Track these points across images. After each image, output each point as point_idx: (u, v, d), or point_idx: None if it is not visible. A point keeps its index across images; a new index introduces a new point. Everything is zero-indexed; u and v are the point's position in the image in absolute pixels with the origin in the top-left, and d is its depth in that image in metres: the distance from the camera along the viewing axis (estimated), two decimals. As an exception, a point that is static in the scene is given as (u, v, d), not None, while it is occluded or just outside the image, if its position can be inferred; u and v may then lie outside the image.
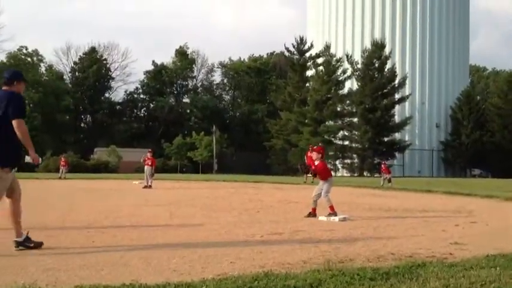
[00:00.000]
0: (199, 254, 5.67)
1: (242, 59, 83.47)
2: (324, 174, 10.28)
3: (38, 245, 5.99)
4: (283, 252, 5.92)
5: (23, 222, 6.06)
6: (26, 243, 5.94)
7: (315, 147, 10.82)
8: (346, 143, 53.79)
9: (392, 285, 4.07)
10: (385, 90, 52.48)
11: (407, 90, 55.31)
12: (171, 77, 77.17)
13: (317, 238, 7.19)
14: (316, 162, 10.44)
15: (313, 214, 9.99)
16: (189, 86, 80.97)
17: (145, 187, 21.05)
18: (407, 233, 7.77)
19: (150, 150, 24.50)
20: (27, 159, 6.14)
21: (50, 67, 72.53)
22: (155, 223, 8.81)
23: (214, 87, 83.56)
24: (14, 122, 5.66)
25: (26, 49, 68.69)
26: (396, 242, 6.80)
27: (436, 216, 10.57)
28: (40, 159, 5.96)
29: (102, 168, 49.41)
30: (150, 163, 22.01)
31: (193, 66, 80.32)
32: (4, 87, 6.01)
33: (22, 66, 66.18)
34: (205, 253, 5.75)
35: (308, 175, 26.03)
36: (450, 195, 17.33)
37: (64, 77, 74.70)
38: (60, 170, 32.44)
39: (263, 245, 6.51)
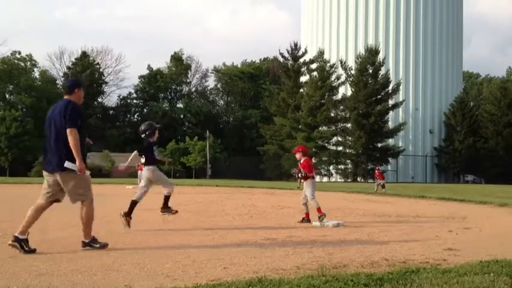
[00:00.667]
0: (193, 259, 5.64)
1: (235, 64, 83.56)
2: (307, 170, 10.24)
3: (32, 252, 6.05)
4: (277, 257, 5.89)
5: (15, 227, 6.02)
6: (93, 244, 6.36)
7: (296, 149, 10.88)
8: (340, 148, 53.90)
9: (386, 291, 4.03)
10: (378, 96, 52.65)
11: (401, 96, 55.56)
12: (166, 82, 77.12)
13: (311, 244, 7.16)
14: (302, 160, 10.40)
15: (306, 219, 9.99)
16: (183, 91, 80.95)
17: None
18: (401, 239, 7.76)
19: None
20: (67, 165, 6.34)
21: (43, 72, 72.29)
22: (148, 228, 8.77)
23: (208, 92, 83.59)
24: (67, 131, 6.09)
25: (19, 53, 68.53)
26: (390, 247, 6.79)
27: (430, 222, 10.58)
28: (87, 172, 6.35)
29: (95, 173, 49.26)
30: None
31: (188, 71, 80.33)
32: (65, 96, 6.42)
33: (15, 71, 65.94)
34: (199, 258, 5.71)
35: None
36: (444, 201, 17.37)
37: (57, 81, 74.51)
38: None
39: (256, 250, 6.48)
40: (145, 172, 8.87)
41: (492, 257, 5.60)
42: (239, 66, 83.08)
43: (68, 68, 74.43)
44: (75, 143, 6.10)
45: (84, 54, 73.61)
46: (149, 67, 77.99)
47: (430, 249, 6.65)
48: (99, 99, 75.98)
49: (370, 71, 52.75)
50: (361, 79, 52.40)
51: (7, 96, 67.00)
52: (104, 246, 6.38)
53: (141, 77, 77.64)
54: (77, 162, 6.14)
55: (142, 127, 8.76)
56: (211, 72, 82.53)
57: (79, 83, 6.64)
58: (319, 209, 9.84)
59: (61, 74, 75.41)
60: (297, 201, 15.10)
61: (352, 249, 6.67)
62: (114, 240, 7.15)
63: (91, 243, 6.33)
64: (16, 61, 68.06)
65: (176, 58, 79.16)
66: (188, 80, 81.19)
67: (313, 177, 10.36)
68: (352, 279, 4.36)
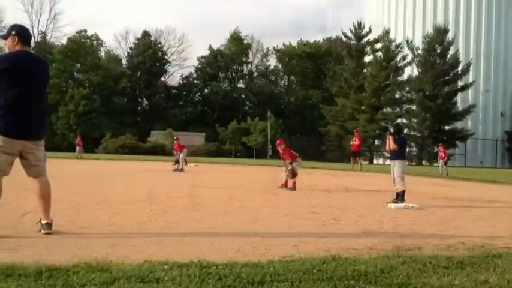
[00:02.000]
0: (261, 236, 5.56)
1: (297, 43, 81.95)
2: (287, 157, 12.73)
3: None
4: (347, 237, 5.76)
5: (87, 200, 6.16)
6: None
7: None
8: (405, 131, 52.53)
9: (469, 274, 3.82)
10: (447, 77, 50.77)
11: (470, 78, 53.27)
12: (226, 62, 77.24)
13: (380, 225, 6.98)
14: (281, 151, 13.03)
15: (285, 186, 12.39)
16: (244, 71, 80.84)
17: (175, 170, 20.81)
18: (476, 224, 7.42)
19: (176, 138, 25.44)
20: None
21: (108, 52, 74.17)
22: (214, 204, 8.79)
23: (270, 72, 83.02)
24: None
25: (85, 32, 70.23)
26: (465, 231, 6.48)
27: (505, 206, 10.09)
28: None
29: (159, 151, 50.28)
30: (177, 149, 22.49)
31: (249, 51, 79.93)
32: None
33: (82, 50, 67.89)
34: (267, 235, 5.65)
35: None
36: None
37: (122, 61, 76.34)
38: (77, 150, 33.63)
39: (325, 229, 6.38)
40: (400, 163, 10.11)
41: None
42: (300, 45, 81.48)
43: (131, 48, 75.95)
44: None
45: (147, 34, 74.58)
46: (210, 47, 78.18)
47: (509, 234, 6.29)
48: (162, 79, 77.15)
49: (439, 50, 50.79)
50: (428, 59, 50.60)
51: (75, 74, 69.22)
52: None
53: (201, 57, 77.87)
54: None
55: (394, 128, 11.02)
56: (272, 52, 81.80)
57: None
58: (286, 182, 12.35)
59: (125, 54, 77.19)
60: (362, 183, 14.87)
61: (424, 231, 6.45)
62: (182, 215, 7.22)
63: None
64: (83, 40, 69.82)
65: (235, 38, 78.69)
66: (249, 60, 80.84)
67: (292, 160, 12.52)
68: (431, 261, 4.20)
